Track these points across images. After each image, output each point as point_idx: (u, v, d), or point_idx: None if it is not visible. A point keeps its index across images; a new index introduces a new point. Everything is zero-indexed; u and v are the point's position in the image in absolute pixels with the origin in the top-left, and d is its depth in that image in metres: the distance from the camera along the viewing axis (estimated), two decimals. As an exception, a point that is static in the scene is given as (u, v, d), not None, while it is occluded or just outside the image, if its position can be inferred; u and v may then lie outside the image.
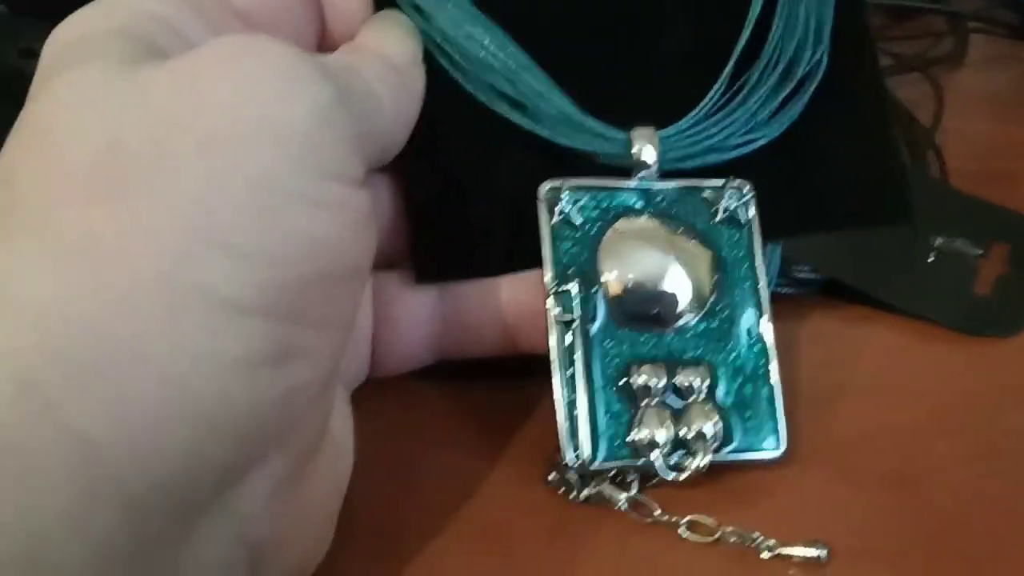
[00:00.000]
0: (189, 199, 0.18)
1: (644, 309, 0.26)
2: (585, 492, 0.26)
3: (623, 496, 0.26)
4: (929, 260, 0.35)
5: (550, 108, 0.27)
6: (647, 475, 0.26)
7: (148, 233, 0.18)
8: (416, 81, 0.26)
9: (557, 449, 0.26)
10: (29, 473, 0.16)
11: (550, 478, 0.26)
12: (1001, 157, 0.42)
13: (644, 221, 0.27)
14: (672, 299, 0.26)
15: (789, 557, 0.25)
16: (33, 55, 0.21)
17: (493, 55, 0.27)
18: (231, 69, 0.20)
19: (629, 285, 0.26)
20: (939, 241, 0.35)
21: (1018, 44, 0.50)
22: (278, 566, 0.21)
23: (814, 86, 0.28)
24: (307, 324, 0.20)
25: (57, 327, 0.17)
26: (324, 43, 0.27)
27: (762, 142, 0.28)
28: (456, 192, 0.27)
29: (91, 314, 0.17)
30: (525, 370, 0.28)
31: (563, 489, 0.26)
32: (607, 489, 0.26)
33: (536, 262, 0.27)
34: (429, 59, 0.27)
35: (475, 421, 0.29)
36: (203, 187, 0.18)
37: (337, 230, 0.20)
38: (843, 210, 0.29)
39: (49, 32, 0.21)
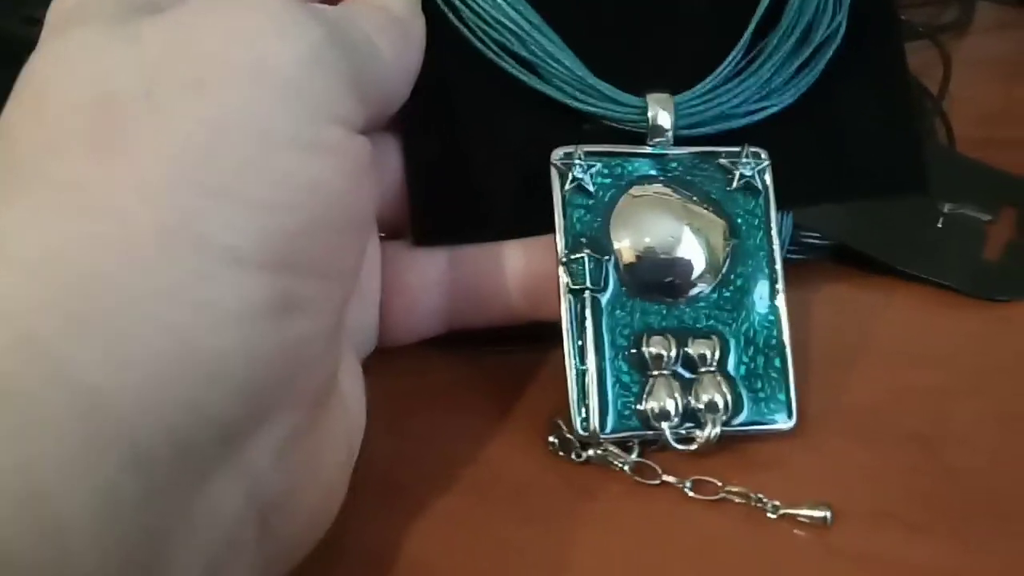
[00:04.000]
0: (181, 145, 0.18)
1: (658, 276, 0.26)
2: (586, 455, 0.26)
3: (627, 459, 0.26)
4: (938, 225, 0.35)
5: (562, 69, 0.26)
6: (651, 440, 0.26)
7: (140, 180, 0.18)
8: (416, 31, 0.25)
9: (558, 413, 0.26)
10: (30, 422, 0.16)
11: (551, 440, 0.26)
12: (1008, 124, 0.42)
13: (658, 188, 0.26)
14: (687, 266, 0.26)
15: (795, 517, 0.25)
16: (36, 23, 0.21)
17: (504, 12, 0.26)
18: (221, 15, 0.20)
19: (643, 252, 0.26)
20: (948, 207, 0.35)
21: (1025, 11, 0.49)
22: (288, 522, 0.21)
23: (831, 53, 0.28)
24: (307, 275, 0.20)
25: (52, 277, 0.17)
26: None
27: (776, 109, 0.27)
28: (460, 151, 0.27)
29: (86, 263, 0.17)
30: (532, 337, 0.28)
31: (562, 452, 0.26)
32: (610, 453, 0.26)
33: (542, 227, 0.26)
34: (436, 13, 0.26)
35: (481, 386, 0.29)
36: (195, 132, 0.18)
37: (335, 175, 0.20)
38: (859, 180, 0.28)
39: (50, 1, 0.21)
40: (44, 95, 0.19)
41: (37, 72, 0.20)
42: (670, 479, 0.25)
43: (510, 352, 0.29)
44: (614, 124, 0.27)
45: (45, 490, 0.15)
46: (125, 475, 0.16)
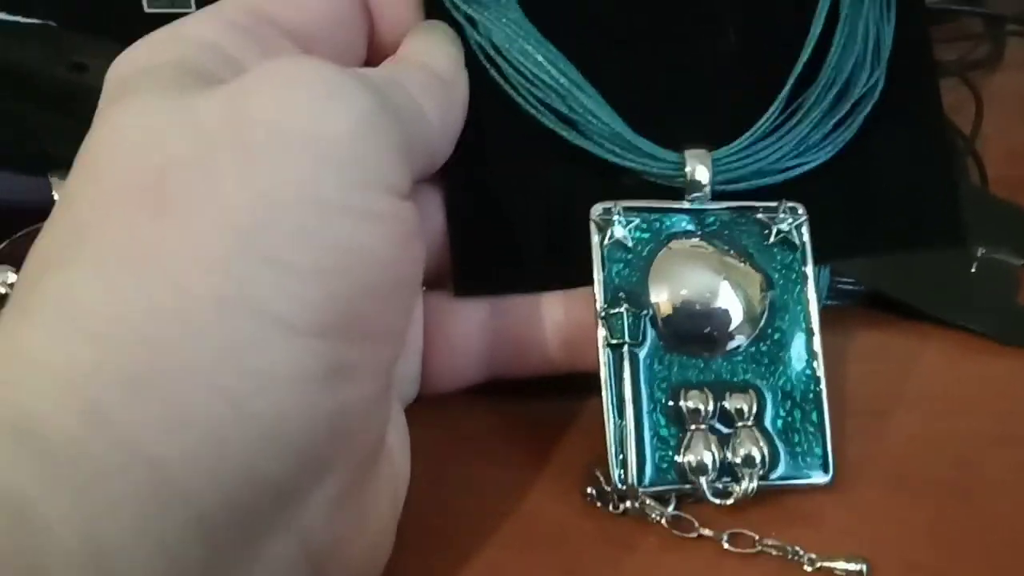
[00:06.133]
0: (235, 213, 0.19)
1: (695, 328, 0.26)
2: (624, 506, 0.26)
3: (663, 512, 0.26)
4: (972, 271, 0.35)
5: (601, 126, 0.27)
6: (688, 494, 0.26)
7: (196, 247, 0.18)
8: (460, 90, 0.26)
9: (596, 464, 0.26)
10: (95, 484, 0.16)
11: (589, 491, 0.27)
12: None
13: (696, 243, 0.27)
14: (724, 317, 0.26)
15: (832, 571, 0.25)
16: (82, 69, 0.22)
17: (546, 71, 0.27)
18: (274, 86, 0.20)
19: (680, 305, 0.26)
20: (981, 251, 0.35)
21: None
22: (340, 574, 0.21)
23: (868, 108, 0.28)
24: (358, 340, 0.20)
25: (116, 345, 0.17)
26: (374, 53, 0.27)
27: (813, 165, 0.28)
28: (500, 205, 0.27)
29: (144, 329, 0.18)
30: (568, 387, 0.28)
31: (599, 503, 0.26)
32: (647, 506, 0.26)
33: (580, 279, 0.27)
34: (478, 69, 0.27)
35: (519, 435, 0.29)
36: (249, 201, 0.19)
37: (385, 242, 0.20)
38: (896, 233, 0.29)
39: (97, 46, 0.22)
40: (103, 161, 0.20)
41: (95, 140, 0.21)
42: (707, 532, 0.26)
43: (542, 399, 0.29)
44: (652, 179, 0.27)
45: (112, 554, 0.16)
46: (185, 536, 0.17)
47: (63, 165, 0.21)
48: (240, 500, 0.18)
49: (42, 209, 0.22)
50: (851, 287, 0.34)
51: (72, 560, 0.16)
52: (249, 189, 0.19)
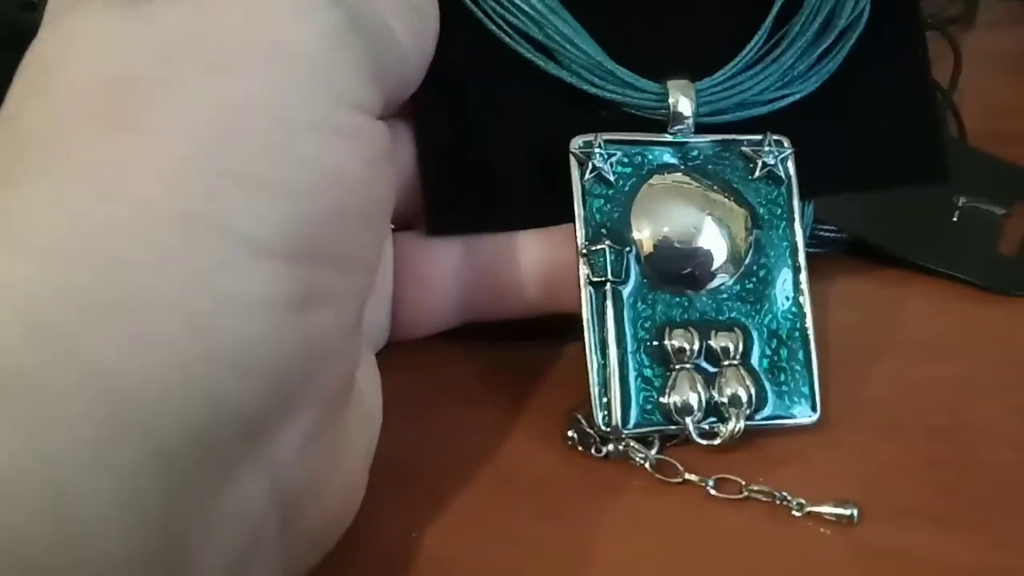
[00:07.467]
0: (199, 127, 0.18)
1: (677, 267, 0.25)
2: (606, 450, 0.25)
3: (647, 455, 0.25)
4: (953, 219, 0.34)
5: (579, 54, 0.26)
6: (671, 435, 0.25)
7: (160, 163, 0.17)
8: (431, 14, 0.25)
9: (577, 407, 0.25)
10: (49, 416, 0.15)
11: (570, 434, 0.26)
12: (1015, 118, 0.42)
13: (679, 177, 0.26)
14: (707, 256, 0.25)
15: (821, 515, 0.24)
16: (34, 8, 0.21)
17: (520, -5, 0.25)
18: None
19: (662, 243, 0.25)
20: (963, 200, 0.35)
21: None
22: (310, 519, 0.20)
23: (854, 39, 0.27)
24: (329, 265, 0.19)
25: (68, 264, 0.16)
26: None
27: (798, 96, 0.27)
28: (473, 138, 0.26)
29: (103, 249, 0.16)
30: (546, 331, 0.27)
31: (581, 447, 0.25)
32: (631, 449, 0.25)
33: (559, 217, 0.26)
34: None
35: (496, 380, 0.28)
36: (215, 115, 0.18)
37: (354, 162, 0.19)
38: (882, 169, 0.28)
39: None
40: (53, 73, 0.18)
41: (45, 50, 0.19)
42: (692, 478, 0.25)
43: (525, 347, 0.28)
44: (632, 111, 0.26)
45: (66, 486, 0.15)
46: (147, 470, 0.16)
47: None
48: (204, 431, 0.16)
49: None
50: (833, 235, 0.33)
51: (27, 496, 0.14)
52: (212, 101, 0.18)
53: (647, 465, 0.25)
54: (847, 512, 0.24)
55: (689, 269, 0.26)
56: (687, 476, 0.25)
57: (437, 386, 0.28)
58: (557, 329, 0.26)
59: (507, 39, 0.26)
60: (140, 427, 0.16)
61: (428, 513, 0.24)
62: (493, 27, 0.26)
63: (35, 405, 0.15)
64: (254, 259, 0.17)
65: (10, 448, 0.15)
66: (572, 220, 0.25)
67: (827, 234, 0.33)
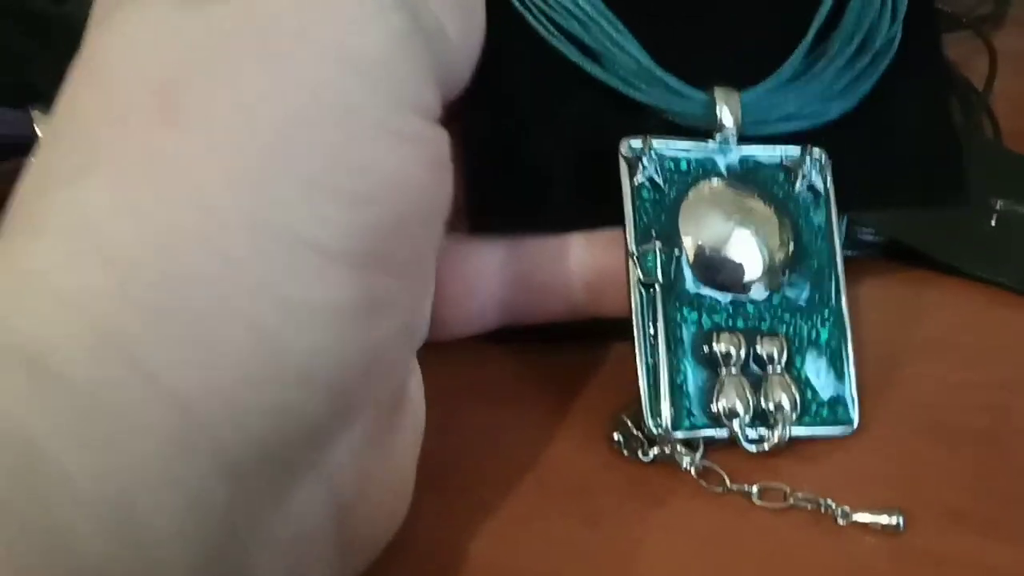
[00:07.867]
0: (261, 127, 0.17)
1: (723, 272, 0.25)
2: (652, 453, 0.25)
3: (692, 458, 0.25)
4: (991, 223, 0.34)
5: (626, 59, 0.26)
6: (718, 441, 0.25)
7: (224, 163, 0.17)
8: (478, 13, 0.24)
9: (622, 410, 0.25)
10: (117, 430, 0.15)
11: (616, 437, 0.26)
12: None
13: (720, 186, 0.26)
14: (751, 263, 0.25)
15: (865, 524, 0.24)
16: (64, 1, 0.20)
17: (569, -2, 0.25)
18: None
19: (708, 248, 0.25)
20: (1000, 204, 0.34)
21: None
22: (364, 523, 0.20)
23: (887, 62, 0.27)
24: (391, 273, 0.19)
25: (135, 271, 0.16)
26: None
27: (836, 113, 0.27)
28: (518, 139, 0.26)
29: (170, 257, 0.16)
30: (587, 334, 0.27)
31: (626, 451, 0.25)
32: (677, 452, 0.25)
33: (602, 220, 0.25)
34: None
35: (538, 382, 0.28)
36: (275, 114, 0.17)
37: (418, 167, 0.19)
38: (909, 187, 0.28)
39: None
40: (113, 71, 0.18)
41: (101, 47, 0.19)
42: (736, 487, 0.25)
43: (566, 347, 0.28)
44: (675, 119, 0.26)
45: (132, 499, 0.15)
46: (213, 482, 0.15)
47: (44, 98, 0.19)
48: (269, 443, 0.16)
49: (24, 144, 0.20)
50: (871, 238, 0.33)
51: (94, 509, 0.14)
52: (275, 101, 0.17)
53: (692, 471, 0.25)
54: (892, 521, 0.24)
55: (735, 274, 0.25)
56: (731, 485, 0.25)
57: (475, 388, 0.28)
58: (589, 333, 0.26)
59: (553, 40, 0.26)
60: (206, 440, 0.15)
61: (469, 516, 0.24)
62: (539, 27, 0.26)
63: (105, 417, 0.15)
64: (320, 267, 0.17)
65: (80, 460, 0.14)
66: (616, 223, 0.25)
67: (863, 237, 0.33)
